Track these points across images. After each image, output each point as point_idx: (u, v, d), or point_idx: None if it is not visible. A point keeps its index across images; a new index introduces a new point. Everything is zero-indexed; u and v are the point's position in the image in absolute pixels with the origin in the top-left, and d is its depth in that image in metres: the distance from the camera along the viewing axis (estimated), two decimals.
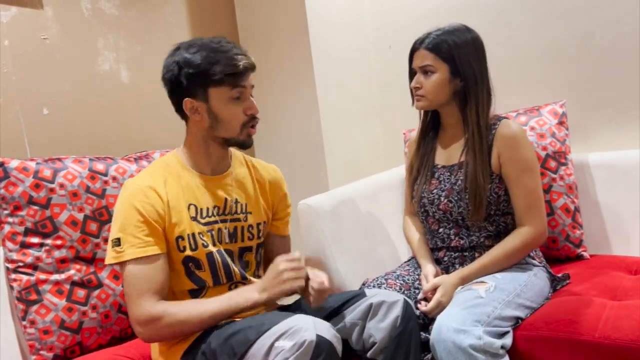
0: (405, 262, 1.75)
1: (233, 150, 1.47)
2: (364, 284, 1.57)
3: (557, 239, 1.74)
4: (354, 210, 1.86)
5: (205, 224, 1.35)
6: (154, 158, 1.78)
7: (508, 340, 1.29)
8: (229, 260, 1.37)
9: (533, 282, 1.45)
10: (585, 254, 1.76)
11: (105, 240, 1.54)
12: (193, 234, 1.32)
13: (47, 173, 1.50)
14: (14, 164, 1.47)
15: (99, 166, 1.60)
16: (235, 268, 1.38)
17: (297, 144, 2.30)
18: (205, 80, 1.27)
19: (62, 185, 1.50)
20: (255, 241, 1.45)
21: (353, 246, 1.80)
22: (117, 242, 1.24)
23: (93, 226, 1.53)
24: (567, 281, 1.56)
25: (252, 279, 1.40)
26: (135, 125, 2.07)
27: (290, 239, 1.58)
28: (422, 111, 1.65)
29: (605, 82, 1.87)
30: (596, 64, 1.88)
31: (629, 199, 1.75)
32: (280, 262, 1.24)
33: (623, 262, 1.67)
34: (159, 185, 1.31)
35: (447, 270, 1.57)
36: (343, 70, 2.33)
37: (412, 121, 2.24)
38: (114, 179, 1.60)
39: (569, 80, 1.93)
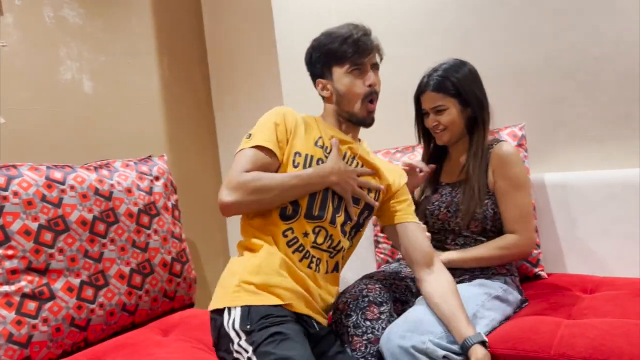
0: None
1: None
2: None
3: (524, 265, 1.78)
4: None
5: (326, 156, 1.41)
6: (115, 167, 1.75)
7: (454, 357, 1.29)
8: (330, 199, 1.38)
9: (496, 300, 1.49)
10: (542, 273, 1.79)
11: (60, 251, 1.50)
12: (311, 156, 1.38)
13: (0, 180, 1.45)
14: None
15: (57, 174, 1.56)
16: (331, 208, 1.38)
17: None
18: (328, 60, 1.41)
19: (16, 194, 1.46)
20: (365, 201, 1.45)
21: None
22: (249, 135, 1.39)
23: (48, 236, 1.49)
24: (525, 304, 1.60)
25: (340, 227, 1.40)
26: (97, 135, 2.03)
27: (419, 228, 1.51)
28: (424, 142, 1.78)
29: (563, 104, 1.93)
30: (555, 87, 1.94)
31: (585, 219, 1.79)
32: (352, 172, 1.38)
33: (579, 281, 1.71)
34: (296, 115, 1.46)
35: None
36: (312, 87, 2.34)
37: (378, 142, 2.27)
38: (72, 187, 1.56)
39: (528, 103, 1.98)
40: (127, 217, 1.67)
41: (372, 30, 1.42)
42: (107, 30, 2.10)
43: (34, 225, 1.46)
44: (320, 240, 1.36)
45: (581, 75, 1.88)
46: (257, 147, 1.35)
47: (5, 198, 1.44)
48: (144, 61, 2.23)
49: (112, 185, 1.67)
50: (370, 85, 1.41)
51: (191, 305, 1.91)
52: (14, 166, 1.51)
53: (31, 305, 1.43)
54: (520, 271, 1.78)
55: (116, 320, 1.61)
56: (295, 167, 1.36)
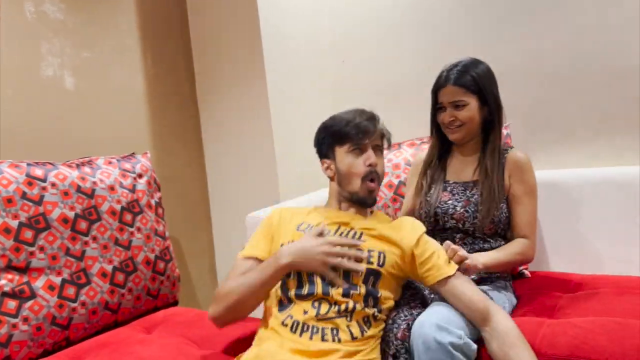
0: None
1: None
2: None
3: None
4: None
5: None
6: (97, 164, 1.73)
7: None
8: (315, 274, 1.33)
9: (505, 306, 1.50)
10: (526, 272, 1.80)
11: (41, 249, 1.48)
12: (293, 241, 1.37)
13: None
14: None
15: (38, 172, 1.54)
16: (319, 282, 1.32)
17: (249, 158, 2.28)
18: (332, 140, 1.46)
19: None
20: (366, 266, 1.35)
21: None
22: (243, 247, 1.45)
23: (28, 234, 1.46)
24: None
25: (339, 297, 1.31)
26: (79, 132, 2.00)
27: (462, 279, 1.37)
28: (435, 138, 1.73)
29: (549, 104, 1.94)
30: (541, 87, 1.95)
31: (569, 218, 1.81)
32: (320, 240, 1.32)
33: (562, 280, 1.72)
34: (288, 211, 1.51)
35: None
36: (297, 83, 2.33)
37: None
38: (53, 185, 1.54)
39: (514, 103, 1.99)
40: (110, 215, 1.66)
41: (378, 116, 1.47)
42: (90, 25, 2.07)
43: (14, 223, 1.44)
44: (324, 310, 1.29)
45: (567, 75, 1.89)
46: (245, 257, 1.42)
47: None
48: (127, 57, 2.21)
49: (94, 182, 1.65)
50: (370, 165, 1.41)
51: (175, 303, 1.90)
52: None
53: (11, 304, 1.41)
54: None
55: (98, 318, 1.59)
56: None
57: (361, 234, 1.40)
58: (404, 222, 1.46)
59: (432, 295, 1.49)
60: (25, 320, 1.42)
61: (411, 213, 1.76)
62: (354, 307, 1.30)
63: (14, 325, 1.39)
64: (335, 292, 1.30)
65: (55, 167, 1.60)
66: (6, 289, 1.41)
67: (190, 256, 2.40)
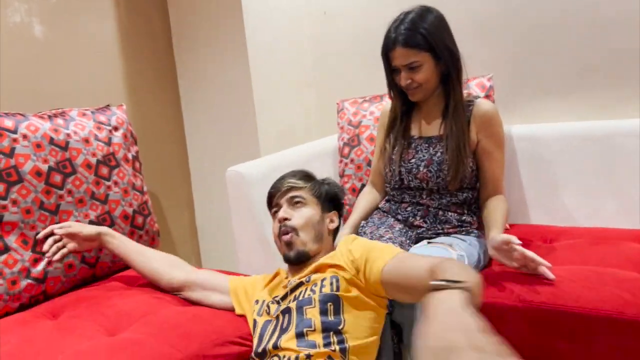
0: (363, 224, 1.67)
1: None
2: None
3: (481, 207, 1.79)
4: None
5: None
6: (70, 116, 1.67)
7: None
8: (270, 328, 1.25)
9: (481, 258, 1.51)
10: (506, 224, 1.82)
11: (14, 203, 1.43)
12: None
13: None
14: None
15: (7, 123, 1.48)
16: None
17: (227, 111, 2.23)
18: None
19: None
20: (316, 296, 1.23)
21: None
22: None
23: (0, 187, 1.42)
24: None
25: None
26: (49, 83, 1.92)
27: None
28: (396, 98, 1.66)
29: (530, 57, 1.93)
30: (522, 40, 1.93)
31: (549, 171, 1.82)
32: None
33: (540, 231, 1.75)
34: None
35: (406, 220, 1.62)
36: (276, 37, 2.27)
37: (346, 91, 2.23)
38: (25, 136, 1.49)
39: (496, 55, 1.97)
40: (85, 168, 1.61)
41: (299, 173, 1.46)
42: None
43: None
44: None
45: (546, 27, 1.88)
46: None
47: None
48: (99, 5, 2.11)
49: (68, 134, 1.60)
50: (279, 221, 1.36)
51: None
52: None
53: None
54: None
55: (75, 272, 1.57)
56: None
57: (299, 283, 1.27)
58: (341, 249, 1.32)
59: None
60: (0, 274, 1.39)
61: (378, 172, 1.77)
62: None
63: None
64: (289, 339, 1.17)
65: (26, 118, 1.53)
66: None
67: (170, 211, 2.38)
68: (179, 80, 2.36)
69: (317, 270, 1.27)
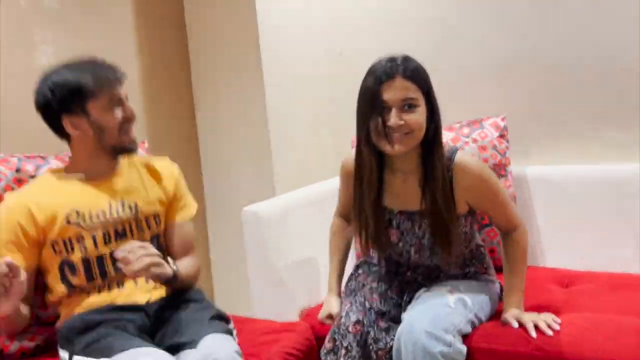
0: (353, 272, 1.60)
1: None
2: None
3: (495, 248, 1.77)
4: (301, 218, 1.84)
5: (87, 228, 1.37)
6: None
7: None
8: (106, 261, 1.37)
9: (487, 301, 1.45)
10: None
11: None
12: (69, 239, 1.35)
13: None
14: None
15: (28, 167, 1.51)
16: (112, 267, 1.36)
17: (244, 149, 2.26)
18: (82, 96, 1.35)
19: None
20: (148, 233, 1.44)
21: (299, 256, 1.78)
22: None
23: None
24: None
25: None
26: None
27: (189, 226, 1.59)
28: (366, 150, 1.37)
29: (545, 98, 1.93)
30: (537, 81, 1.94)
31: (565, 213, 1.81)
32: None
33: (556, 275, 1.72)
34: (36, 199, 1.36)
35: (408, 284, 1.49)
36: (293, 76, 2.31)
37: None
38: None
39: (511, 95, 1.98)
40: None
41: None
42: (85, 14, 2.03)
43: None
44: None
45: (563, 71, 1.89)
46: None
47: None
48: (122, 47, 2.18)
49: None
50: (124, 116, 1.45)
51: None
52: None
53: None
54: (499, 261, 1.79)
55: None
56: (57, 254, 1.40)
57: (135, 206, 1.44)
58: (160, 168, 1.55)
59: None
60: None
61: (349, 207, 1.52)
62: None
63: None
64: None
65: (46, 161, 1.57)
66: None
67: None
68: (197, 118, 2.41)
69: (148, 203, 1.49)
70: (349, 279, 1.56)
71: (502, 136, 1.84)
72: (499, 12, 1.97)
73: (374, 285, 1.47)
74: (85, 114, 1.36)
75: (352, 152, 1.46)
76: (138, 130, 2.18)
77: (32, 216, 1.32)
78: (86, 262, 1.36)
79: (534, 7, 1.91)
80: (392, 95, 1.28)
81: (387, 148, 1.31)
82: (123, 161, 1.49)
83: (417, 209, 1.39)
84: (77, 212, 1.36)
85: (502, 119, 1.86)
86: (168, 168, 1.58)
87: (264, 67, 2.16)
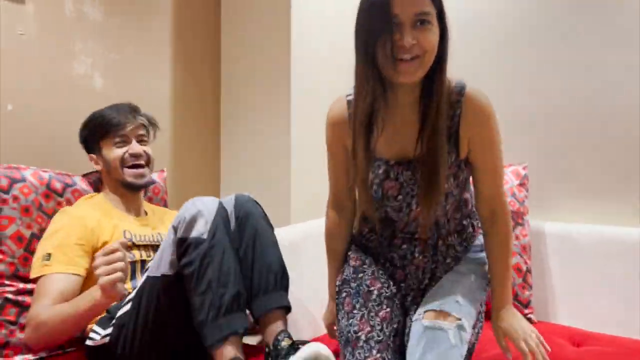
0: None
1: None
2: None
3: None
4: (315, 246, 1.85)
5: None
6: None
7: None
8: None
9: (481, 299, 1.34)
10: (532, 316, 1.77)
11: None
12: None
13: (3, 182, 1.48)
14: None
15: (57, 185, 1.58)
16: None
17: (265, 176, 2.29)
18: (96, 135, 1.61)
19: (16, 198, 1.48)
20: None
21: (311, 284, 1.79)
22: (48, 257, 1.38)
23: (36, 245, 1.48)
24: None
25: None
26: None
27: None
28: (372, 79, 1.15)
29: (568, 155, 1.90)
30: (562, 137, 1.91)
31: (580, 272, 1.77)
32: (96, 259, 1.26)
33: (567, 332, 1.69)
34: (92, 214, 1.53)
35: (403, 259, 1.34)
36: (318, 106, 2.32)
37: None
38: (68, 201, 1.60)
39: (535, 148, 1.95)
40: None
41: None
42: (125, 28, 2.10)
43: (26, 233, 1.49)
44: None
45: (589, 129, 1.86)
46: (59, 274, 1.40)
47: (4, 201, 1.46)
48: (157, 64, 2.24)
49: None
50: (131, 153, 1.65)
51: None
52: (18, 168, 1.54)
53: (12, 310, 1.44)
54: None
55: None
56: None
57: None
58: None
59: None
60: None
61: (344, 192, 1.37)
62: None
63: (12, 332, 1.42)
64: None
65: (73, 182, 1.64)
66: (9, 296, 1.43)
67: None
68: (222, 146, 2.44)
69: None
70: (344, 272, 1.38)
71: (522, 184, 1.81)
72: (523, 66, 1.96)
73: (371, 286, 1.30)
74: (99, 150, 1.61)
75: (339, 100, 1.29)
76: (161, 150, 2.25)
77: (93, 230, 1.48)
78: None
79: (562, 65, 1.89)
80: (403, 10, 1.08)
81: (394, 75, 1.12)
82: (147, 208, 1.72)
83: (414, 155, 1.21)
84: (129, 232, 1.55)
85: (524, 168, 1.83)
86: None
87: (292, 97, 2.18)
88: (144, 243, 1.56)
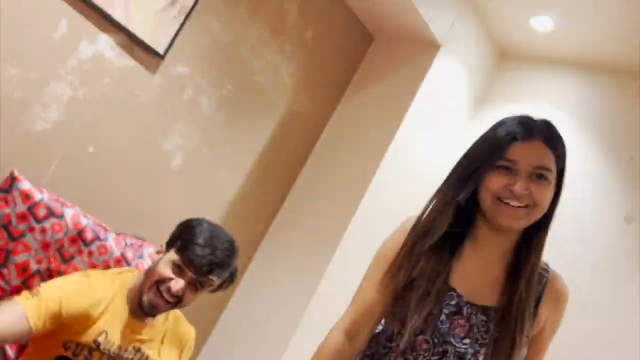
0: None
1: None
2: None
3: None
4: None
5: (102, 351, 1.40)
6: (144, 251, 1.74)
7: None
8: None
9: None
10: None
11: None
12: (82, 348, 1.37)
13: (41, 212, 1.49)
14: (24, 185, 1.48)
15: (129, 254, 1.62)
16: None
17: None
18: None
19: (43, 231, 1.48)
20: None
21: None
22: (37, 292, 1.33)
23: (35, 283, 1.46)
24: None
25: None
26: (165, 212, 2.06)
27: None
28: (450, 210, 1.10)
29: None
30: None
31: None
32: None
33: None
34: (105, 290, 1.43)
35: None
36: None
37: None
38: (90, 254, 1.58)
39: None
40: None
41: None
42: (227, 124, 2.21)
43: (33, 267, 1.47)
44: None
45: None
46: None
47: (32, 229, 1.46)
48: (239, 162, 2.32)
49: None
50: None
51: None
52: (64, 204, 1.55)
53: None
54: None
55: None
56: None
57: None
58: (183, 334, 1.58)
59: None
60: None
61: (368, 315, 1.13)
62: None
63: None
64: None
65: (143, 252, 1.67)
66: None
67: None
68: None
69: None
70: None
71: None
72: None
73: None
74: (163, 256, 1.48)
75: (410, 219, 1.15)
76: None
77: (83, 297, 1.38)
78: None
79: None
80: (524, 159, 1.05)
81: (497, 216, 1.06)
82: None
83: (493, 305, 1.09)
84: (106, 334, 1.41)
85: None
86: (190, 336, 1.63)
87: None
88: (112, 355, 1.42)
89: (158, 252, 1.49)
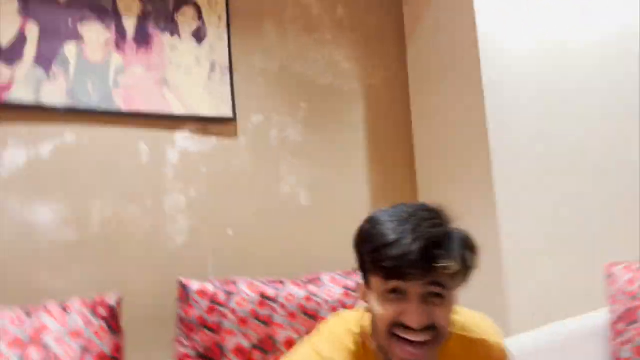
0: None
1: None
2: None
3: None
4: None
5: None
6: (322, 281, 1.75)
7: None
8: None
9: None
10: None
11: None
12: None
13: (222, 297, 1.55)
14: (194, 286, 1.57)
15: (270, 291, 1.63)
16: None
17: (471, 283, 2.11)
18: (365, 263, 1.04)
19: (233, 311, 1.54)
20: None
21: None
22: None
23: (258, 356, 1.52)
24: None
25: None
26: (308, 245, 2.10)
27: None
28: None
29: None
30: None
31: None
32: None
33: None
34: None
35: None
36: (529, 190, 2.13)
37: (614, 252, 1.93)
38: (282, 306, 1.61)
39: None
40: None
41: None
42: (323, 144, 2.22)
43: (246, 344, 1.52)
44: None
45: None
46: None
47: (224, 315, 1.53)
48: (354, 174, 2.30)
49: (318, 303, 1.68)
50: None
51: None
52: (234, 282, 1.62)
53: None
54: None
55: None
56: None
57: None
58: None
59: None
60: None
61: None
62: None
63: None
64: None
65: (284, 286, 1.67)
66: None
67: None
68: None
69: None
70: None
71: None
72: None
73: None
74: (368, 284, 1.05)
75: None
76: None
77: None
78: None
79: None
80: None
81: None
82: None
83: None
84: None
85: None
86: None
87: (495, 184, 2.04)
88: None
89: (363, 298, 1.07)
